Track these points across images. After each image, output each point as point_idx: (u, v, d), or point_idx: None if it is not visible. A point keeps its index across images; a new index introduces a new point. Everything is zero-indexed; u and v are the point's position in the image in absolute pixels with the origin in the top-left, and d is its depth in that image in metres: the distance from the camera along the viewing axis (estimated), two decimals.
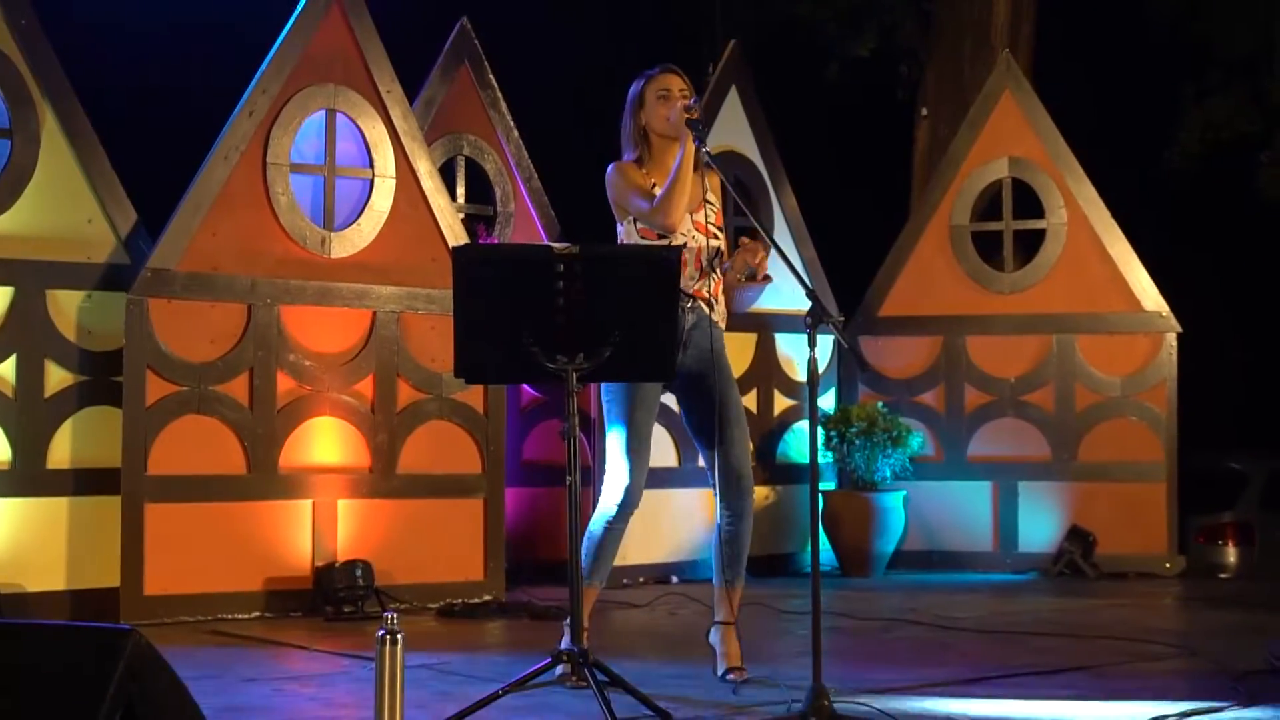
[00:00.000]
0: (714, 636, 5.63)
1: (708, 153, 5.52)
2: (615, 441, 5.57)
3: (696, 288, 5.60)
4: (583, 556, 5.36)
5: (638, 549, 8.79)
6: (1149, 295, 9.70)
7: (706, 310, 5.63)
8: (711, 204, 5.69)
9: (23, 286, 7.24)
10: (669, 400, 5.99)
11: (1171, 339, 9.64)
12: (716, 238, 5.67)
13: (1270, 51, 13.10)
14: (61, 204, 7.38)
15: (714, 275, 5.65)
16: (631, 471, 5.55)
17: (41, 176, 7.32)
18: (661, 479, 9.11)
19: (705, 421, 5.58)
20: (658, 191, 5.54)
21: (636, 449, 5.56)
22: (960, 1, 12.64)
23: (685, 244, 5.55)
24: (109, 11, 10.87)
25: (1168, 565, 9.49)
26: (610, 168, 5.68)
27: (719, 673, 5.53)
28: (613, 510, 5.58)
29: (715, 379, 5.58)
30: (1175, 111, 13.63)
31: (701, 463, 9.23)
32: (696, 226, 5.61)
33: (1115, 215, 9.82)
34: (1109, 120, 13.40)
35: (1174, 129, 13.63)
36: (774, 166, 9.86)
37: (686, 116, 5.48)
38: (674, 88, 5.60)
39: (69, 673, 3.05)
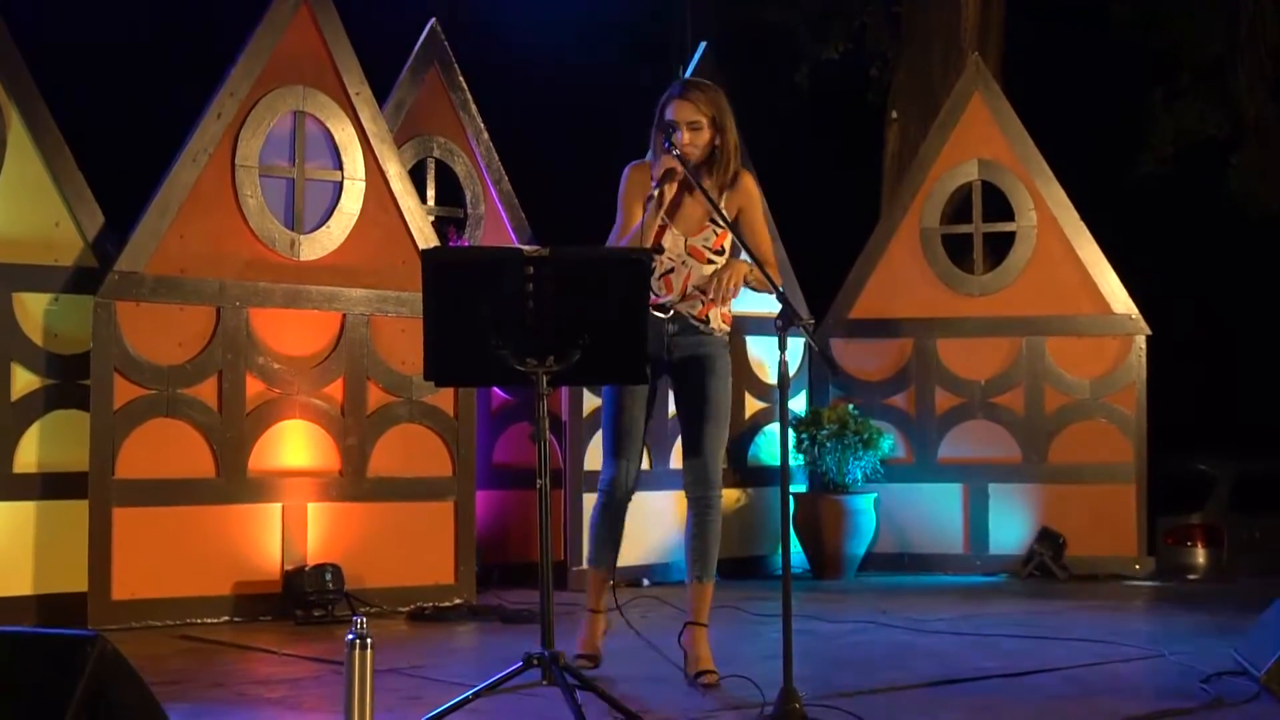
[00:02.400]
0: (685, 638, 5.63)
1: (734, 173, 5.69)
2: (604, 432, 5.77)
3: (679, 307, 5.65)
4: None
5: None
6: (1118, 298, 9.72)
7: (696, 325, 5.68)
8: (716, 226, 5.68)
9: None
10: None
11: (1141, 341, 9.67)
12: (713, 262, 5.68)
13: (1236, 55, 13.16)
14: (28, 207, 7.33)
15: (705, 298, 5.66)
16: (614, 461, 5.73)
17: (7, 179, 7.28)
18: None
19: (682, 417, 5.75)
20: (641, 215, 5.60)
21: (620, 439, 5.72)
22: (930, 4, 12.66)
23: (673, 268, 5.64)
24: (75, 14, 10.82)
25: (1137, 567, 9.51)
26: (626, 168, 5.77)
27: (689, 675, 5.52)
28: (600, 498, 5.78)
29: (704, 376, 5.68)
30: (1144, 115, 13.69)
31: (674, 465, 9.29)
32: (691, 251, 5.66)
33: (1084, 218, 9.84)
34: (1078, 123, 13.44)
35: (1145, 133, 13.69)
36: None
37: (666, 165, 5.55)
38: (681, 120, 5.58)
39: (33, 680, 3.03)
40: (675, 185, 5.59)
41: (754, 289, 5.68)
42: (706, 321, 5.70)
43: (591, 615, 5.84)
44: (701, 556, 5.68)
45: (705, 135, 5.61)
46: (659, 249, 5.62)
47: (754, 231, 5.71)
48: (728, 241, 5.71)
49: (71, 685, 3.00)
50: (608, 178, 5.91)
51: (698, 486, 5.68)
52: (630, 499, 5.80)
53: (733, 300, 5.68)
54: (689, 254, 5.65)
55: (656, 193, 5.54)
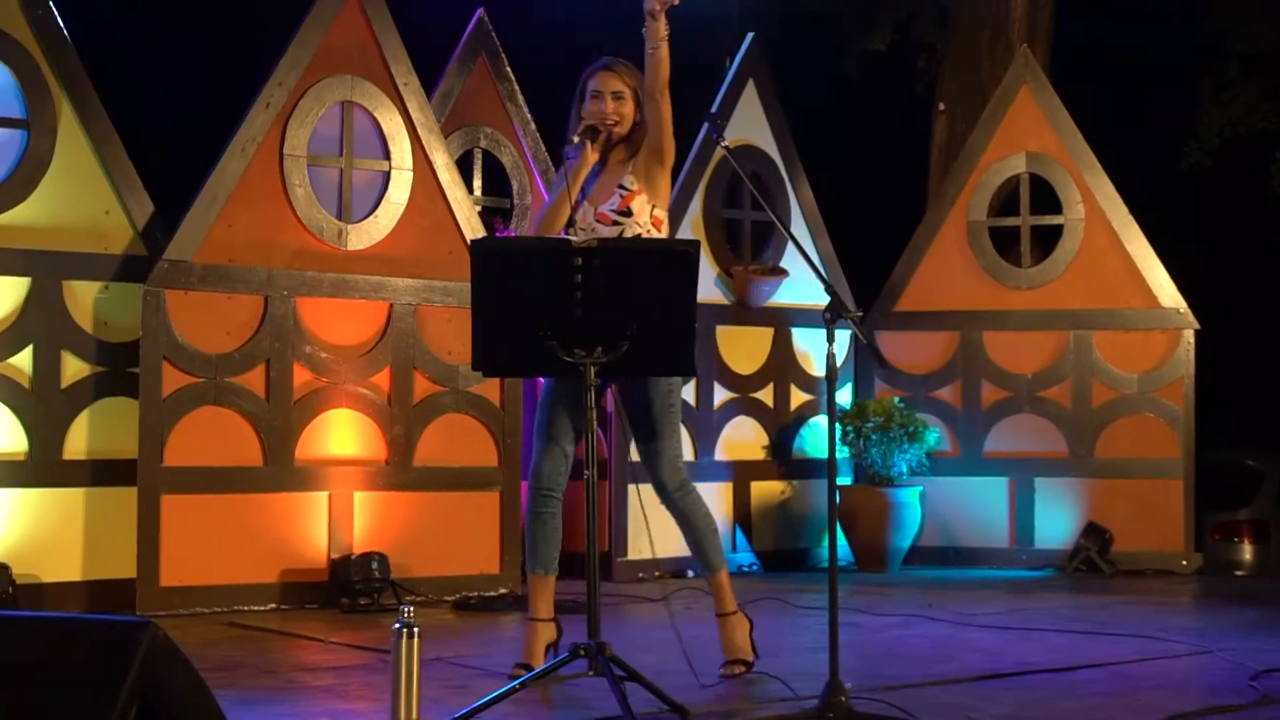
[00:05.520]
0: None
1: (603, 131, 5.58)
2: (537, 422, 5.61)
3: None
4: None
5: (653, 542, 8.76)
6: (1167, 292, 9.66)
7: None
8: (626, 188, 5.59)
9: (40, 277, 7.25)
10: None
11: (1189, 335, 9.60)
12: (618, 224, 5.56)
13: None
14: (78, 195, 7.39)
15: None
16: (538, 453, 5.55)
17: (58, 167, 7.33)
18: None
19: (632, 424, 5.57)
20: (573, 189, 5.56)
21: (547, 433, 5.53)
22: None
23: (572, 237, 5.48)
24: (126, 3, 10.88)
25: (1184, 562, 9.46)
26: (561, 168, 5.74)
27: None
28: (529, 495, 5.60)
29: (638, 381, 5.50)
30: (1193, 106, 13.59)
31: (719, 456, 9.29)
32: (598, 217, 5.57)
33: (1133, 211, 9.78)
34: (1127, 115, 13.35)
35: (1192, 124, 13.59)
36: (791, 160, 9.84)
37: (578, 138, 5.54)
38: (606, 90, 5.58)
39: (85, 665, 3.05)
40: (599, 145, 5.55)
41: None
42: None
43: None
44: (698, 554, 5.62)
45: (629, 106, 5.59)
46: (571, 222, 5.56)
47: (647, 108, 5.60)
48: (635, 203, 5.58)
49: (123, 671, 3.02)
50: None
51: (669, 503, 5.55)
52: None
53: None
54: (597, 220, 5.56)
55: (580, 143, 5.52)
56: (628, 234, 5.54)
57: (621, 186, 5.60)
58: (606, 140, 5.59)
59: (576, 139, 5.54)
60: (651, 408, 5.49)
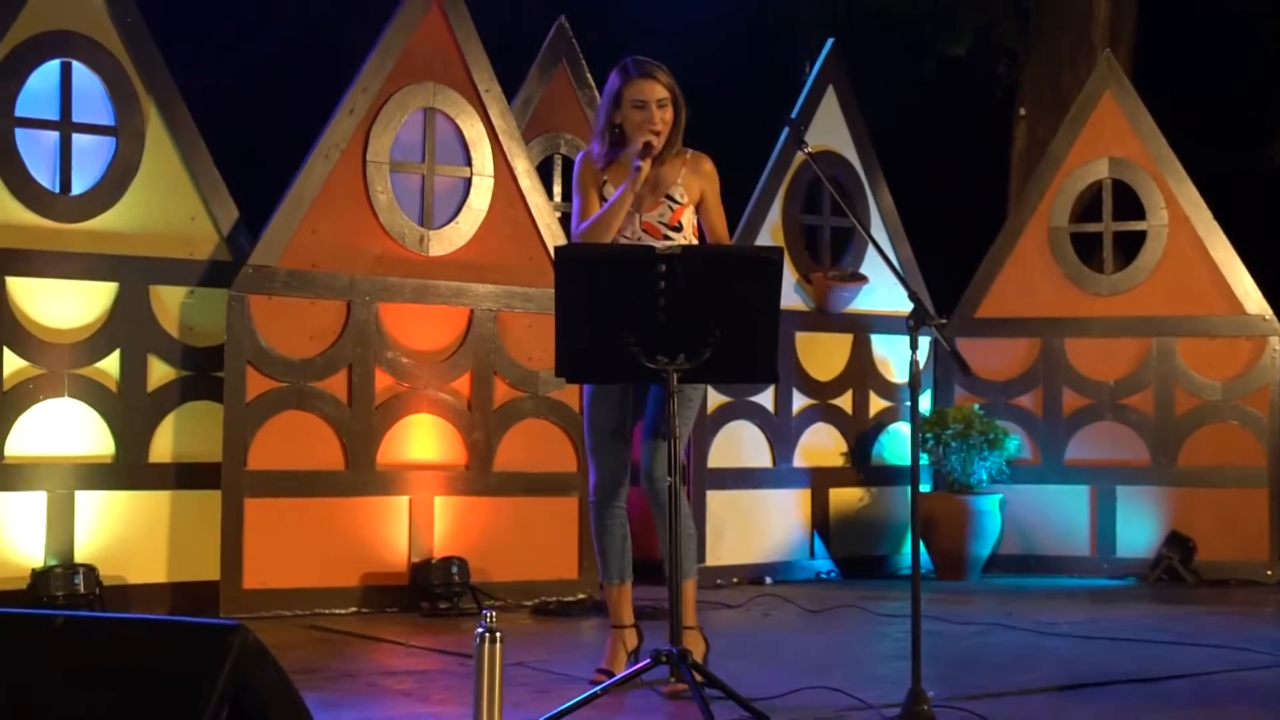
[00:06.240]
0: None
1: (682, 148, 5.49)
2: (585, 439, 5.62)
3: None
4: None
5: (732, 549, 8.78)
6: (1252, 298, 9.55)
7: None
8: (675, 200, 5.52)
9: (127, 282, 7.34)
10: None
11: (1275, 343, 9.49)
12: (669, 238, 5.47)
13: None
14: (165, 201, 7.47)
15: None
16: (594, 468, 5.57)
17: (145, 173, 7.42)
18: (756, 479, 9.11)
19: (650, 413, 5.52)
20: (609, 194, 5.45)
21: (597, 445, 5.54)
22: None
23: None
24: (213, 9, 11.00)
25: (1269, 572, 9.35)
26: (578, 157, 5.63)
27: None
28: (592, 510, 5.62)
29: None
30: (1277, 111, 13.45)
31: (797, 463, 9.27)
32: (645, 227, 5.50)
33: (1217, 216, 9.68)
34: (1210, 120, 13.23)
35: (1277, 129, 13.46)
36: (871, 166, 9.81)
37: (639, 156, 5.36)
38: (651, 99, 5.41)
39: (177, 667, 3.08)
40: (651, 160, 5.39)
41: None
42: None
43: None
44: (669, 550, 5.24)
45: (670, 111, 5.44)
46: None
47: (710, 211, 5.58)
48: (684, 217, 5.52)
49: (215, 673, 3.05)
50: (725, 172, 5.79)
51: (651, 497, 5.46)
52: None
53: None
54: (644, 230, 5.48)
55: (642, 164, 5.34)
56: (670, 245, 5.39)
57: (670, 199, 5.52)
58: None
59: (639, 161, 5.34)
60: (671, 400, 5.24)
